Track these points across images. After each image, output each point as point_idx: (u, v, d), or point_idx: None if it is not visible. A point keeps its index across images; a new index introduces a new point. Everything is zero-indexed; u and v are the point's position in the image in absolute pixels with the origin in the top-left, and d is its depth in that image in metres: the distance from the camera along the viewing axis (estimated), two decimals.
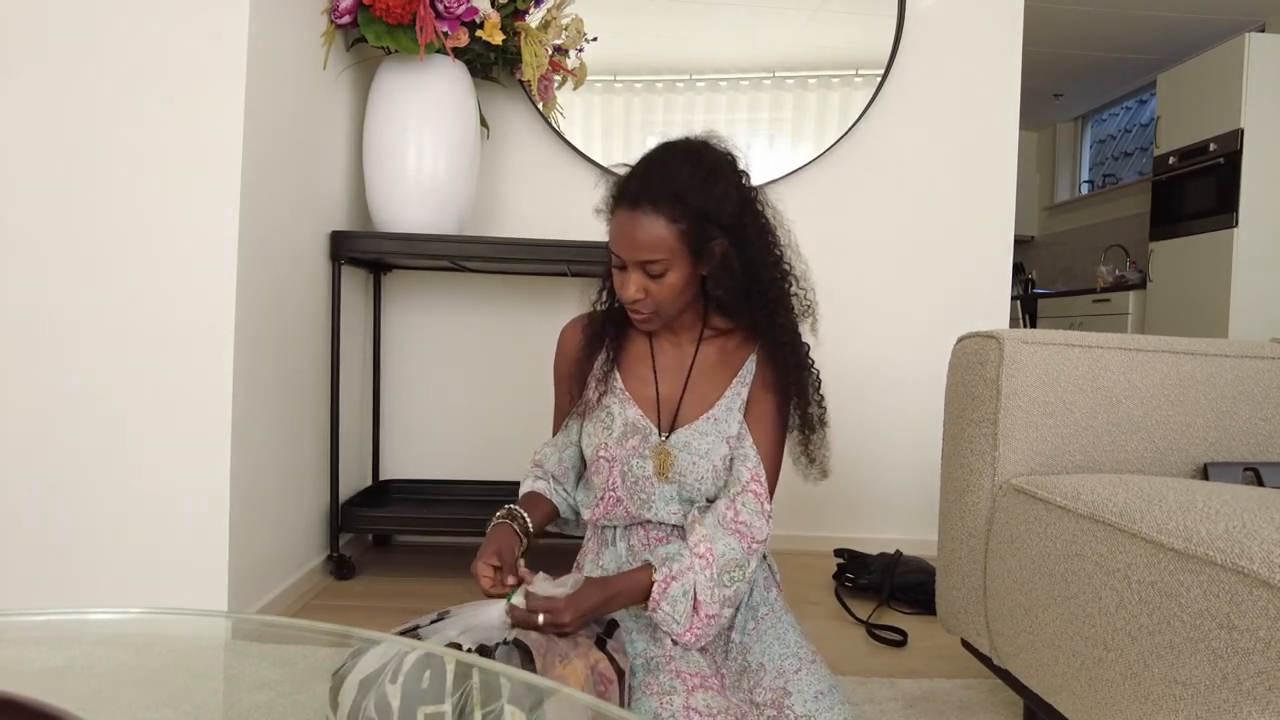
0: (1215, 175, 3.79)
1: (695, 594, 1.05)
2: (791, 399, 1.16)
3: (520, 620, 0.95)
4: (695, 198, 1.04)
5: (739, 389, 1.17)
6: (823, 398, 1.17)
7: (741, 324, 1.19)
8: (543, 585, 0.99)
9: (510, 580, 1.01)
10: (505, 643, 0.91)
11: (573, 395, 1.24)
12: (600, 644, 0.98)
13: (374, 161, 1.96)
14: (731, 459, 1.15)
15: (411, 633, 0.94)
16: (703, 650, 1.09)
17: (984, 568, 1.14)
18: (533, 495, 1.21)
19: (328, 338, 1.96)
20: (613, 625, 1.05)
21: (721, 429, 1.15)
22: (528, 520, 1.14)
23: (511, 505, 1.15)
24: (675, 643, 1.07)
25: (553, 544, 1.35)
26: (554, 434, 1.29)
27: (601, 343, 1.19)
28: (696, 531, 1.09)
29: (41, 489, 1.48)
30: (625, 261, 1.06)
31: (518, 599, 0.97)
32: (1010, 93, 2.37)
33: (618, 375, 1.19)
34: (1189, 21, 4.10)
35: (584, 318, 1.24)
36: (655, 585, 1.05)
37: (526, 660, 0.88)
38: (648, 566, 1.07)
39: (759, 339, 1.17)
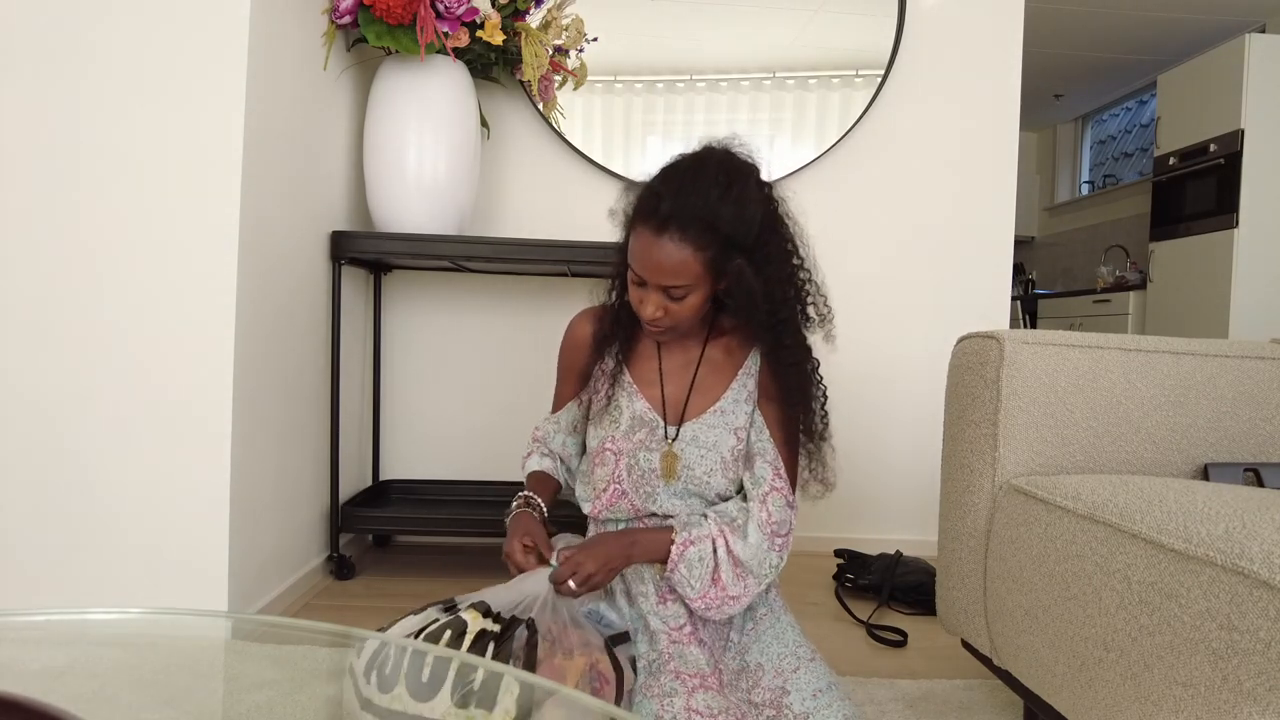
0: (1215, 176, 3.79)
1: (718, 568, 1.07)
2: (796, 410, 1.16)
3: (564, 590, 1.01)
4: (725, 224, 1.01)
5: (745, 380, 1.17)
6: (826, 414, 1.16)
7: (749, 335, 1.18)
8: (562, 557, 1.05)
9: (546, 557, 1.05)
10: (522, 619, 0.95)
11: (575, 386, 1.24)
12: (609, 647, 0.98)
13: (374, 161, 1.96)
14: (743, 453, 1.15)
15: (450, 605, 0.99)
16: (701, 644, 1.09)
17: (984, 568, 1.14)
18: (541, 475, 1.22)
19: (328, 338, 1.96)
20: (625, 635, 1.06)
21: (729, 421, 1.15)
22: (544, 507, 1.16)
23: (528, 494, 1.16)
24: (688, 608, 1.10)
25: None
26: (554, 408, 1.30)
27: (611, 341, 1.19)
28: (730, 514, 1.11)
29: (42, 489, 1.48)
30: (648, 283, 1.05)
31: (558, 565, 1.04)
32: (1010, 93, 2.37)
33: (626, 372, 1.19)
34: (1189, 22, 4.10)
35: (594, 311, 1.23)
36: (674, 546, 1.07)
37: (533, 640, 0.92)
38: (669, 528, 1.09)
39: (766, 356, 1.16)
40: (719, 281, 1.07)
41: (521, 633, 0.93)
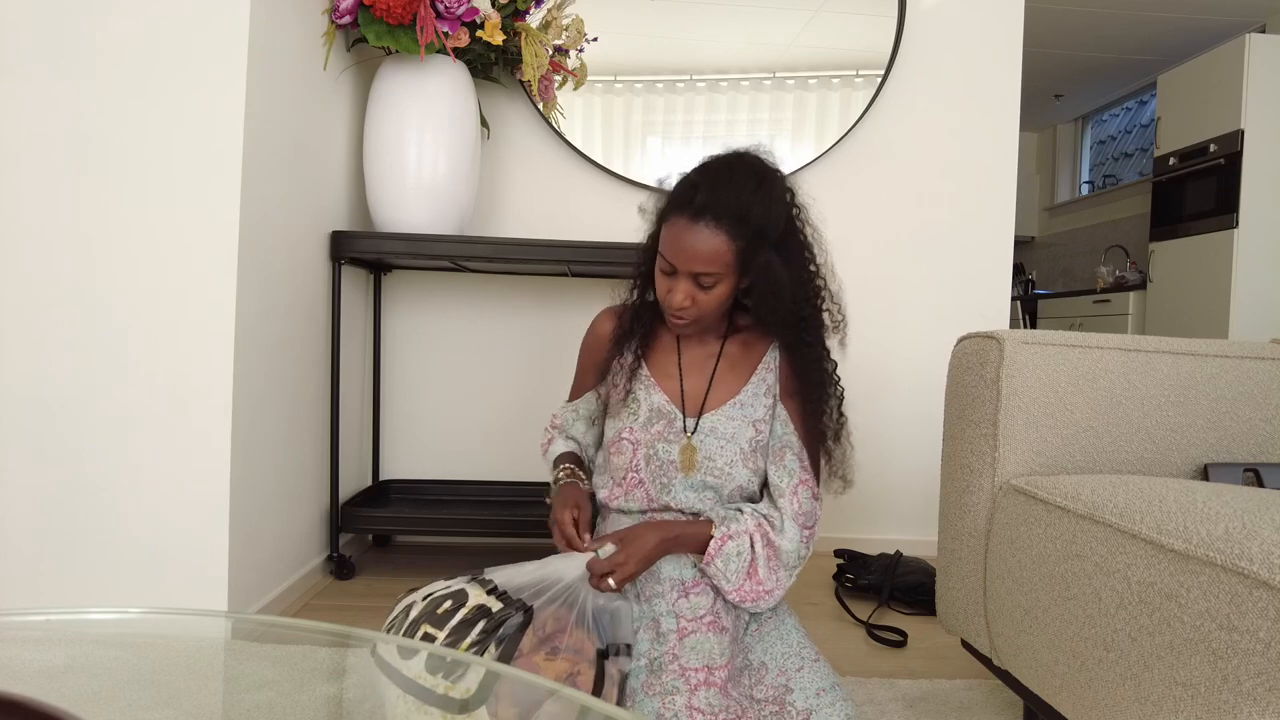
0: (1215, 176, 3.79)
1: (754, 562, 1.10)
2: (815, 405, 1.18)
3: (603, 585, 1.04)
4: (755, 217, 1.06)
5: (764, 374, 1.20)
6: (844, 417, 1.18)
7: (770, 333, 1.21)
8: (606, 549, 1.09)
9: (585, 544, 1.09)
10: (521, 603, 0.98)
11: (594, 379, 1.27)
12: (601, 658, 0.98)
13: (374, 161, 1.96)
14: (762, 445, 1.17)
15: (479, 574, 1.04)
16: (721, 630, 1.10)
17: (984, 568, 1.14)
18: (573, 455, 1.25)
19: (328, 338, 1.96)
20: (629, 648, 1.05)
21: (747, 413, 1.17)
22: (586, 481, 1.21)
23: (572, 466, 1.21)
24: (714, 598, 1.12)
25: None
26: (570, 396, 1.33)
27: (630, 336, 1.21)
28: (764, 510, 1.14)
29: (41, 489, 1.48)
30: (679, 270, 1.08)
31: (605, 551, 1.07)
32: (1010, 93, 2.37)
33: (644, 366, 1.21)
34: (1189, 22, 4.10)
35: (616, 309, 1.26)
36: (713, 541, 1.10)
37: (523, 626, 0.95)
38: (708, 521, 1.12)
39: (786, 352, 1.19)
40: (745, 275, 1.10)
41: (516, 618, 0.95)
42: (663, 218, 1.11)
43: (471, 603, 0.96)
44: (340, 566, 1.95)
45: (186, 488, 1.48)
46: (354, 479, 2.18)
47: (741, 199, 1.05)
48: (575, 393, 1.33)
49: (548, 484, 1.25)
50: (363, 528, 2.12)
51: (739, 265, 1.08)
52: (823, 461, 1.19)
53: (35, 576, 1.49)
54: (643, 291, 1.22)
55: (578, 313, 1.30)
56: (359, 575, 1.99)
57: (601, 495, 1.21)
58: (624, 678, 1.03)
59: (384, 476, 2.31)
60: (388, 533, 2.28)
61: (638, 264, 1.21)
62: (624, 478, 1.17)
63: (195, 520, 1.48)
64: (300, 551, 1.85)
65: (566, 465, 1.21)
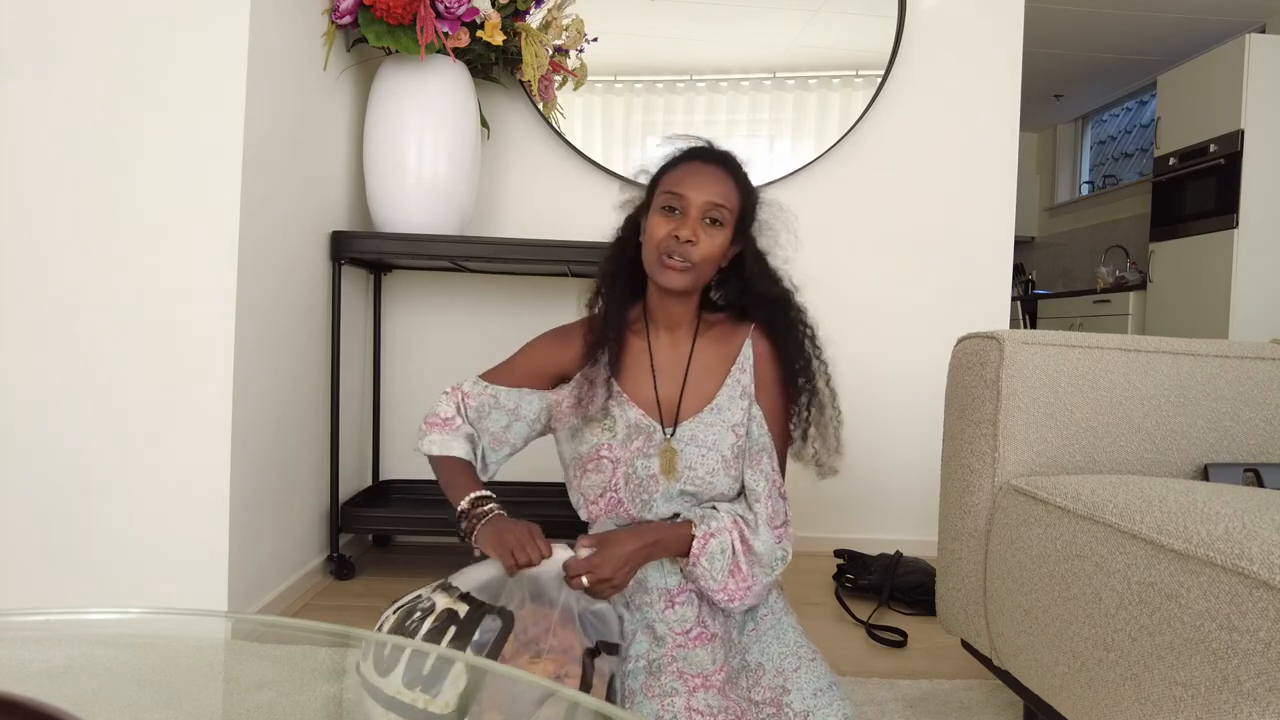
0: (1215, 176, 3.79)
1: (736, 558, 1.09)
2: (798, 390, 1.18)
3: (575, 584, 1.00)
4: (752, 192, 1.18)
5: (738, 376, 1.18)
6: (821, 403, 1.18)
7: (752, 315, 1.21)
8: (582, 551, 1.05)
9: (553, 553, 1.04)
10: (496, 607, 0.95)
11: (541, 382, 1.23)
12: (590, 655, 0.96)
13: (374, 161, 1.96)
14: (743, 449, 1.15)
15: (445, 581, 1.01)
16: (712, 638, 1.09)
17: (984, 568, 1.14)
18: (466, 467, 1.17)
19: (328, 338, 1.96)
20: (615, 646, 1.05)
21: (725, 418, 1.16)
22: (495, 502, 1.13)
23: (484, 493, 1.11)
24: (710, 601, 1.11)
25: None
26: (490, 378, 1.26)
27: (602, 344, 1.17)
28: (738, 510, 1.13)
29: (41, 489, 1.48)
30: (689, 204, 1.11)
31: (584, 553, 1.03)
32: (1010, 93, 2.37)
33: (615, 382, 1.18)
34: (1189, 22, 4.10)
35: (584, 322, 1.22)
36: (695, 540, 1.08)
37: (504, 634, 0.92)
38: (688, 522, 1.10)
39: (766, 332, 1.19)
40: (738, 238, 1.16)
41: (492, 622, 0.92)
42: (664, 171, 1.17)
43: (439, 609, 0.94)
44: (340, 566, 1.95)
45: (186, 488, 1.48)
46: (354, 479, 2.18)
47: (743, 173, 1.17)
48: (506, 377, 1.24)
49: (537, 484, 1.19)
50: (363, 528, 2.12)
51: (739, 220, 1.14)
52: (812, 446, 1.18)
53: (35, 576, 1.49)
54: (610, 295, 1.18)
55: (577, 313, 1.29)
56: (359, 575, 1.99)
57: (582, 514, 1.19)
58: (611, 678, 1.02)
59: (384, 476, 2.31)
60: (388, 533, 2.28)
61: (605, 267, 1.20)
62: (602, 495, 1.14)
63: (195, 520, 1.48)
64: (300, 551, 1.85)
65: (490, 504, 1.10)
